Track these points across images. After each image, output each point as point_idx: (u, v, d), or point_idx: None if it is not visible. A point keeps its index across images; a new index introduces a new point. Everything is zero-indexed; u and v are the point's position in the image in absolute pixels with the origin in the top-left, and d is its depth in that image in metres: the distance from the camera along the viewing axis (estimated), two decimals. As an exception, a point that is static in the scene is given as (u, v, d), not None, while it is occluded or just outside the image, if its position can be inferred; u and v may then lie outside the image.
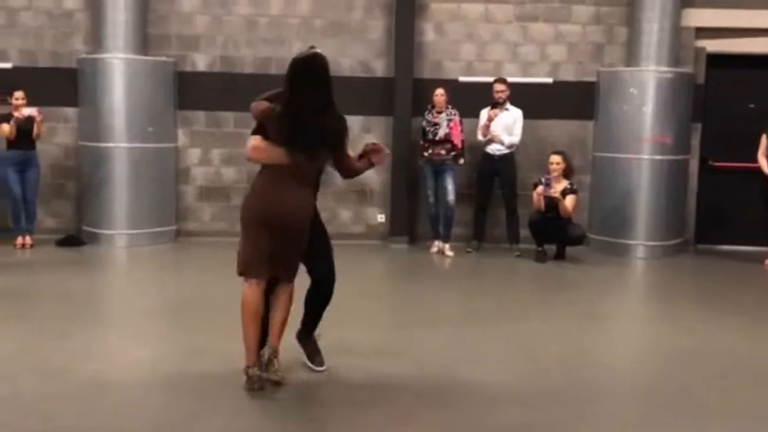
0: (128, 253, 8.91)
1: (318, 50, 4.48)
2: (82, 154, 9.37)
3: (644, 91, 9.19)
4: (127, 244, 9.11)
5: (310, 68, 4.38)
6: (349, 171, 4.70)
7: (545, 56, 9.73)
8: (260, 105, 4.47)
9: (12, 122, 8.57)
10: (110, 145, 9.06)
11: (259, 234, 4.44)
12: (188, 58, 9.57)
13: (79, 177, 9.46)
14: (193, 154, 9.72)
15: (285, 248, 4.47)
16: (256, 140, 4.44)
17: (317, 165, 4.50)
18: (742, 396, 4.72)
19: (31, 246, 8.82)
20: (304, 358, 4.83)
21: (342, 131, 4.51)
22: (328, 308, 4.77)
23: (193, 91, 9.51)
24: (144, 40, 9.33)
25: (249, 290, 4.51)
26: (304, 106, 4.34)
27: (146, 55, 9.30)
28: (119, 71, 9.04)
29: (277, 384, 4.49)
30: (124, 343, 5.57)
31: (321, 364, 4.83)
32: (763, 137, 8.87)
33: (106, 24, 9.09)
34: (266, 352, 4.57)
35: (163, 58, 9.38)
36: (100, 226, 9.17)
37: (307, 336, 4.85)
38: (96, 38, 9.25)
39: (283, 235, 4.43)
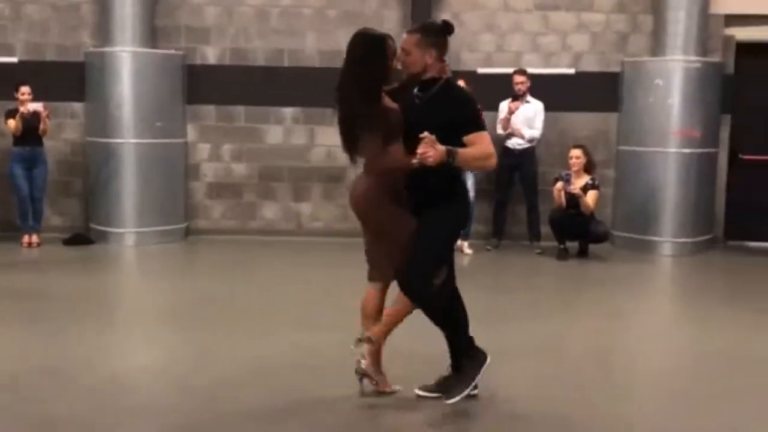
0: (137, 252, 8.71)
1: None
2: (89, 150, 9.16)
3: (670, 82, 8.85)
4: (136, 242, 8.90)
5: None
6: None
7: (567, 46, 9.41)
8: None
9: (17, 117, 8.38)
10: (118, 140, 8.84)
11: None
12: (198, 51, 9.33)
13: (87, 174, 9.25)
14: (203, 150, 9.49)
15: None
16: None
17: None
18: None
19: (39, 245, 8.66)
20: None
21: None
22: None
23: (203, 85, 9.28)
24: (152, 33, 9.10)
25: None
26: None
27: (155, 48, 9.07)
28: (127, 65, 8.81)
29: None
30: (135, 344, 5.49)
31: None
32: (796, 129, 8.52)
33: (113, 16, 8.87)
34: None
35: (172, 51, 9.15)
36: (108, 224, 8.96)
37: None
38: (103, 31, 9.03)
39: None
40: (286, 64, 9.35)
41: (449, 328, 4.19)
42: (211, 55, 9.36)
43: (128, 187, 8.88)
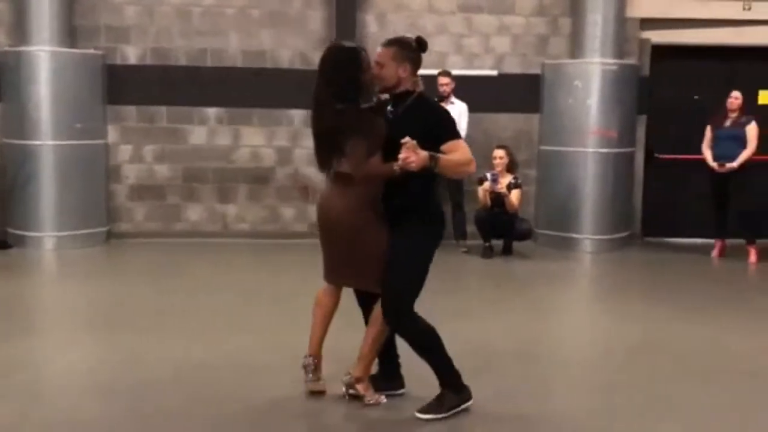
0: (57, 257, 8.49)
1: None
2: (5, 152, 8.86)
3: (589, 84, 9.08)
4: (56, 246, 8.67)
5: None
6: None
7: (490, 48, 9.55)
8: None
9: (-73, 119, 8.09)
10: (36, 142, 8.60)
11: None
12: (118, 51, 9.14)
13: (3, 176, 8.94)
14: (125, 151, 9.29)
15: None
16: None
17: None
18: (690, 390, 4.71)
19: (-48, 250, 8.35)
20: None
21: None
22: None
23: (124, 85, 9.09)
24: (71, 32, 8.87)
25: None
26: None
27: (73, 48, 8.84)
28: (45, 65, 8.57)
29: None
30: (57, 350, 5.34)
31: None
32: (708, 129, 8.84)
33: (29, 15, 8.61)
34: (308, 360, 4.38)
35: (92, 51, 8.95)
36: (27, 228, 8.71)
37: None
38: (19, 30, 8.75)
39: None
40: (209, 64, 9.24)
41: (429, 355, 4.22)
42: (131, 54, 9.18)
43: (47, 189, 8.65)
